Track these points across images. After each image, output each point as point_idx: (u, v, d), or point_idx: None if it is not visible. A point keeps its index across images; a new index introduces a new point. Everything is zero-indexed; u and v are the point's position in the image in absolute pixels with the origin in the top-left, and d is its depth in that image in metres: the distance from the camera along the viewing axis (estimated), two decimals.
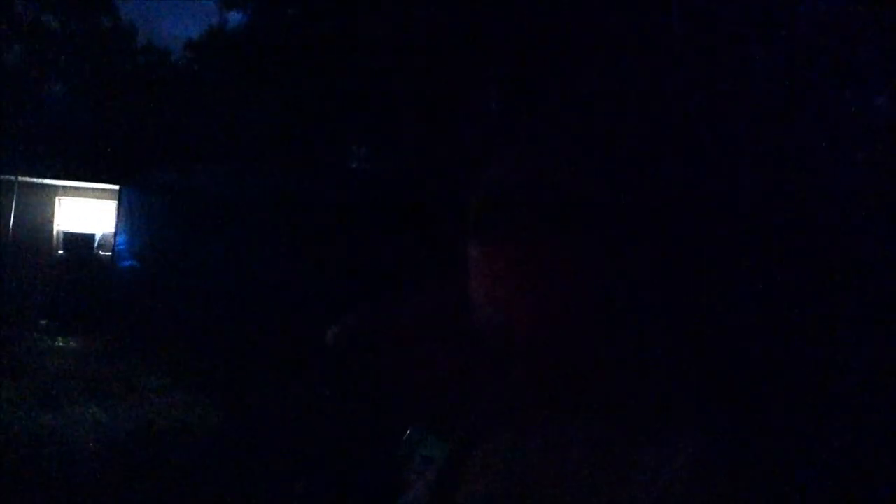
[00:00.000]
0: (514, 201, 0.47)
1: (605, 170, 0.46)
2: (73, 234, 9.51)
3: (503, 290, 0.46)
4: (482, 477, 0.51)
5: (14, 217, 8.91)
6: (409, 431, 0.61)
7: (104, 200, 9.70)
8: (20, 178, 9.04)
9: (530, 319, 0.45)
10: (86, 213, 9.88)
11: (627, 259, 0.45)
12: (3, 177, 8.97)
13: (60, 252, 9.54)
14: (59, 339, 6.98)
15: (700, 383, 0.46)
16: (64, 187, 9.73)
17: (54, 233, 9.62)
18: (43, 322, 7.55)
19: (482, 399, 0.58)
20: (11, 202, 8.91)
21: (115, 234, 8.77)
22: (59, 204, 9.77)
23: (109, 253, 9.04)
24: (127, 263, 8.47)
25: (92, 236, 9.61)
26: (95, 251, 9.54)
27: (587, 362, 0.46)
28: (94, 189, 9.83)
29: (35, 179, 9.33)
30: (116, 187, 8.97)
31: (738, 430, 0.41)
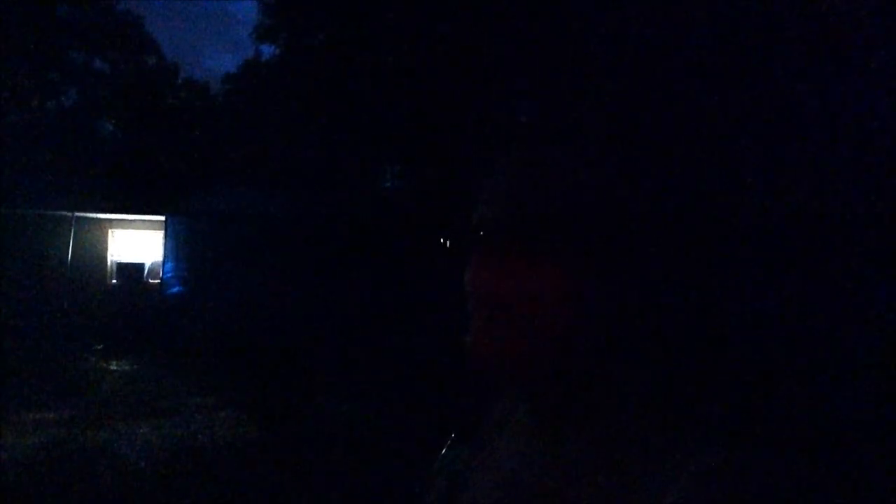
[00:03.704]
0: (512, 213, 0.46)
1: (609, 180, 0.45)
2: (124, 264, 10.07)
3: (504, 303, 0.46)
4: (489, 485, 0.51)
5: (72, 249, 9.51)
6: (444, 450, 0.61)
7: (153, 231, 10.25)
8: (76, 214, 9.67)
9: (533, 331, 0.45)
10: (136, 243, 10.46)
11: (631, 271, 0.44)
12: (61, 213, 9.62)
13: (114, 281, 10.11)
14: (113, 361, 7.38)
15: (708, 400, 0.46)
16: (116, 220, 10.34)
17: (108, 263, 10.21)
18: (98, 346, 8.00)
19: (492, 409, 0.60)
20: (69, 236, 9.52)
21: (163, 262, 9.24)
22: (112, 236, 10.38)
23: (158, 280, 9.52)
24: (174, 290, 8.90)
25: (142, 265, 10.15)
26: (145, 279, 10.07)
27: (591, 376, 0.46)
28: (143, 221, 10.40)
29: (90, 214, 9.95)
30: (163, 218, 9.48)
31: (746, 450, 0.40)
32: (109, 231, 10.33)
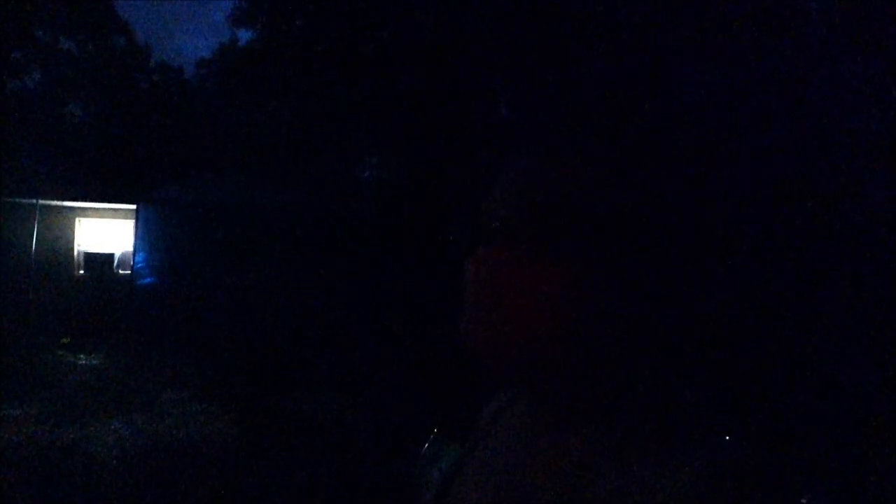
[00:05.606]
0: (524, 211, 0.46)
1: (618, 179, 0.45)
2: (92, 254, 9.76)
3: (503, 299, 0.46)
4: (486, 483, 0.51)
5: (36, 239, 9.17)
6: (426, 445, 0.61)
7: (122, 220, 9.94)
8: (41, 202, 9.32)
9: (533, 327, 0.45)
10: (105, 233, 10.13)
11: (634, 270, 0.44)
12: (25, 200, 9.25)
13: (81, 272, 9.79)
14: (82, 355, 7.17)
15: (709, 398, 0.46)
16: (83, 209, 9.99)
17: (75, 253, 9.87)
18: (65, 339, 7.76)
19: (487, 406, 0.59)
20: (34, 225, 9.17)
21: (134, 252, 8.99)
22: (80, 225, 10.03)
23: (128, 271, 9.26)
24: (146, 281, 8.66)
25: (111, 255, 9.85)
26: (115, 270, 9.78)
27: (592, 374, 0.46)
28: (112, 209, 10.07)
29: (55, 202, 9.60)
30: (133, 206, 9.20)
31: (744, 449, 0.40)
32: (76, 220, 9.99)
